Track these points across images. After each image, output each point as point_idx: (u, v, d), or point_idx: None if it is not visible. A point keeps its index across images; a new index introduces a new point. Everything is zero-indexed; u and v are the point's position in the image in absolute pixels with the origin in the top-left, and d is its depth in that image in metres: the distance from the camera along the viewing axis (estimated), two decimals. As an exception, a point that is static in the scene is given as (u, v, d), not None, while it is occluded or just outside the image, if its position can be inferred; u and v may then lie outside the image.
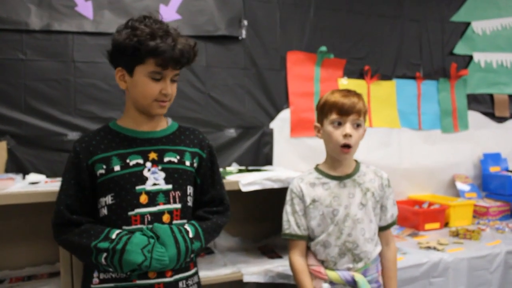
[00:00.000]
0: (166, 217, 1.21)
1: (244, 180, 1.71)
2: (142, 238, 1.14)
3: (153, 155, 1.24)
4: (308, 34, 2.44)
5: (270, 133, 2.35)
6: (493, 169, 2.88)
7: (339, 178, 1.42)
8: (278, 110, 2.38)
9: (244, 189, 1.70)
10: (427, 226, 2.38)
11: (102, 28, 1.98)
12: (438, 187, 2.83)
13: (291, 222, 1.42)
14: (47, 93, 1.91)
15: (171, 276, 1.20)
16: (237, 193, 1.70)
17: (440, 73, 2.84)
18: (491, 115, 3.00)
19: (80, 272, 1.33)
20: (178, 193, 1.24)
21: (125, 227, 1.18)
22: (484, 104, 2.98)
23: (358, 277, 1.36)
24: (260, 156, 2.32)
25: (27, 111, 1.88)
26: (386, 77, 2.68)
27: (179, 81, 1.31)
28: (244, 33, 2.27)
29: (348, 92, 1.40)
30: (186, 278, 1.25)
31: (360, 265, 1.39)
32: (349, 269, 1.38)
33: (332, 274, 1.37)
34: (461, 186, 2.80)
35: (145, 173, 1.21)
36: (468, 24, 2.91)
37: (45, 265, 1.79)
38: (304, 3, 2.43)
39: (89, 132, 1.29)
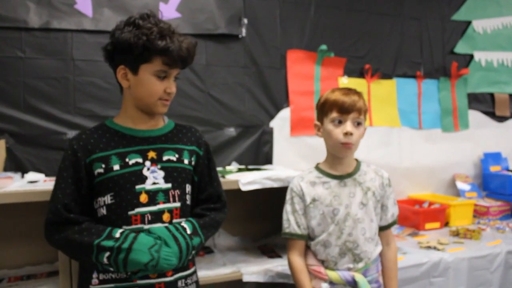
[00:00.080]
0: (166, 216, 1.20)
1: (244, 179, 1.70)
2: (149, 238, 1.14)
3: (152, 154, 1.23)
4: (308, 33, 2.44)
5: (270, 132, 2.34)
6: (494, 168, 2.87)
7: (340, 177, 1.42)
8: (278, 109, 2.37)
9: (244, 188, 1.69)
10: (428, 225, 2.38)
11: (101, 26, 1.96)
12: (439, 186, 2.82)
13: (291, 221, 1.41)
14: (46, 92, 1.90)
15: (172, 275, 1.20)
16: (237, 192, 1.70)
17: (441, 72, 2.83)
18: (491, 114, 2.99)
19: (79, 271, 1.32)
20: (177, 192, 1.24)
21: (125, 227, 1.17)
22: (484, 103, 2.97)
23: (359, 277, 1.35)
24: (260, 155, 2.31)
25: (26, 110, 1.87)
26: (386, 76, 2.67)
27: (179, 79, 1.30)
28: (244, 31, 2.26)
29: (349, 91, 1.39)
30: (185, 277, 1.25)
31: (360, 265, 1.38)
32: (349, 269, 1.38)
33: (332, 274, 1.37)
34: (461, 185, 2.80)
35: (145, 172, 1.20)
36: (468, 23, 2.91)
37: (44, 264, 1.78)
38: (304, 2, 2.43)
39: (85, 129, 1.26)
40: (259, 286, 1.82)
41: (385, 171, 1.49)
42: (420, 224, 2.36)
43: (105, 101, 1.98)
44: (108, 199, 1.18)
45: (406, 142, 2.71)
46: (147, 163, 1.21)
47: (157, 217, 1.19)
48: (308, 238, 1.43)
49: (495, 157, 2.92)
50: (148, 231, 1.16)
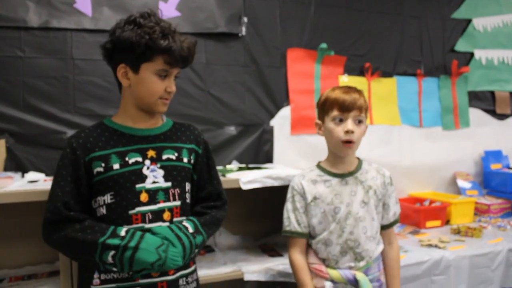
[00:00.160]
0: (166, 215, 1.20)
1: (244, 178, 1.70)
2: (156, 238, 1.13)
3: (151, 153, 1.23)
4: (308, 31, 2.43)
5: (270, 131, 2.33)
6: (494, 166, 2.87)
7: (341, 176, 1.41)
8: (278, 107, 2.37)
9: (245, 187, 1.69)
10: (428, 223, 2.38)
11: (101, 25, 1.96)
12: (439, 184, 2.82)
13: (291, 219, 1.41)
14: (45, 91, 1.90)
15: (173, 274, 1.20)
16: (238, 191, 1.69)
17: (441, 70, 2.83)
18: (492, 112, 2.99)
19: (80, 271, 1.31)
20: (177, 190, 1.23)
21: (125, 226, 1.16)
22: (485, 101, 2.97)
23: (360, 275, 1.35)
24: (261, 153, 2.31)
25: (25, 109, 1.87)
26: (386, 74, 2.67)
27: (179, 78, 1.30)
28: (244, 30, 2.26)
29: (349, 89, 1.39)
30: (187, 275, 1.24)
31: (361, 263, 1.38)
32: (350, 267, 1.37)
33: (334, 273, 1.36)
34: (462, 183, 2.79)
35: (144, 171, 1.20)
36: (469, 21, 2.90)
37: (44, 264, 1.78)
38: (304, 0, 2.42)
39: (84, 128, 1.25)
40: (260, 285, 1.82)
41: (386, 169, 1.48)
42: (421, 222, 2.36)
43: (104, 100, 1.98)
44: (108, 198, 1.18)
45: (407, 140, 2.70)
46: (147, 162, 1.21)
47: (157, 216, 1.19)
48: (309, 236, 1.42)
49: (496, 155, 2.92)
50: (151, 231, 1.15)
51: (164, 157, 1.24)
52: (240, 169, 1.96)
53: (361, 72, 2.59)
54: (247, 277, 1.66)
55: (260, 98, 2.32)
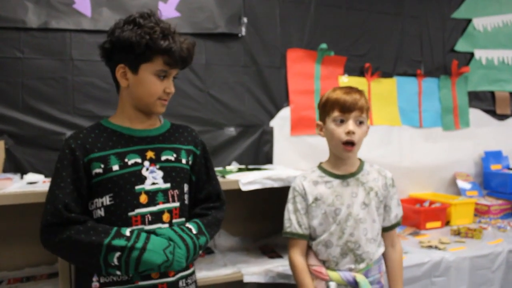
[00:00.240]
0: (166, 216, 1.19)
1: (244, 179, 1.69)
2: (162, 239, 1.12)
3: (150, 154, 1.22)
4: (308, 32, 2.43)
5: (270, 132, 2.33)
6: (494, 167, 2.87)
7: (342, 177, 1.41)
8: (278, 108, 2.36)
9: (244, 188, 1.68)
10: (428, 225, 2.37)
11: (100, 26, 1.95)
12: (439, 185, 2.82)
13: (292, 220, 1.40)
14: (45, 92, 1.89)
15: (174, 275, 1.19)
16: (237, 192, 1.69)
17: (441, 70, 2.83)
18: (492, 113, 2.99)
19: (79, 272, 1.31)
20: (176, 192, 1.23)
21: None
22: (485, 101, 2.97)
23: (360, 278, 1.34)
24: (260, 154, 2.30)
25: (25, 110, 1.86)
26: (386, 74, 2.66)
27: (178, 79, 1.30)
28: (244, 30, 2.25)
29: (350, 89, 1.38)
30: (186, 277, 1.24)
31: (362, 265, 1.37)
32: (350, 269, 1.37)
33: (334, 275, 1.36)
34: (462, 184, 2.79)
35: (144, 172, 1.19)
36: (469, 21, 2.90)
37: (43, 266, 1.77)
38: (304, 0, 2.42)
39: (82, 129, 1.23)
40: (260, 286, 1.81)
41: (388, 171, 1.48)
42: (421, 223, 2.36)
43: (104, 101, 1.97)
44: (106, 200, 1.16)
45: (407, 140, 2.70)
46: (146, 163, 1.20)
47: (157, 217, 1.18)
48: (310, 238, 1.42)
49: (496, 156, 2.91)
50: (155, 233, 1.14)
51: (163, 158, 1.23)
52: (240, 170, 1.95)
53: (361, 73, 2.59)
54: (247, 279, 1.65)
55: (260, 99, 2.31)
